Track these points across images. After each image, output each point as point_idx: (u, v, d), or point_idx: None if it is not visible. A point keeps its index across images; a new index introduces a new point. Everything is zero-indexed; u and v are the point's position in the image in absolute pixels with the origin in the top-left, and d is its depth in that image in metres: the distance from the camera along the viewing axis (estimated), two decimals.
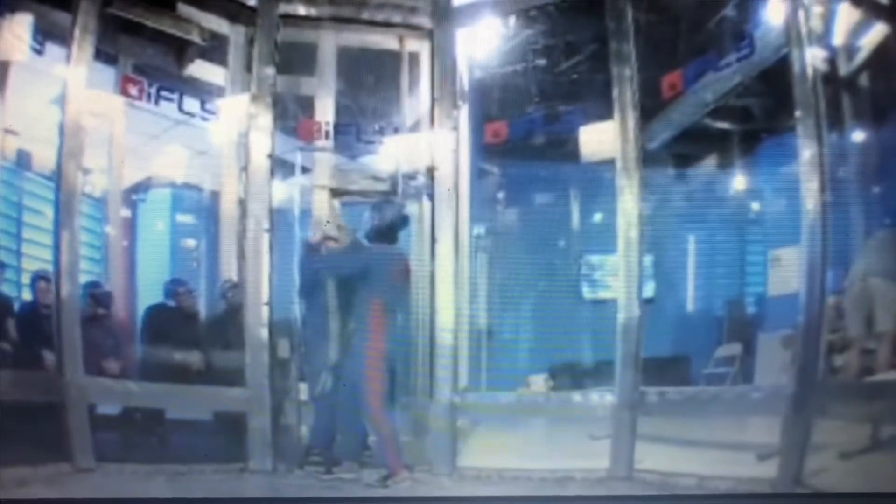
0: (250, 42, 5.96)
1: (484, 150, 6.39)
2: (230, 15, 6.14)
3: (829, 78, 5.40)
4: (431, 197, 5.81)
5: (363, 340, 5.47)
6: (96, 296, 5.86)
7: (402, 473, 5.36)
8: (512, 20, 6.54)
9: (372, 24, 6.04)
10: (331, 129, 6.08)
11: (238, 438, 5.55)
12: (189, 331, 6.03)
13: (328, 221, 5.97)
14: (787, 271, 5.60)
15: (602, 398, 5.53)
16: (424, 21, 5.96)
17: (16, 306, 5.65)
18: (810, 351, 5.02)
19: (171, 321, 6.03)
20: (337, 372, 5.57)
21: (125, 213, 6.40)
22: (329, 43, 6.22)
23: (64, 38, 5.38)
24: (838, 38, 5.63)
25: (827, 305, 5.05)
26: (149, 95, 5.74)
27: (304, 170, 6.15)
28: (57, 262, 5.32)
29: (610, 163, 5.59)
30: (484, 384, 6.18)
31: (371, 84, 6.49)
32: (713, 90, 6.09)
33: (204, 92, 6.17)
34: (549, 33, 6.80)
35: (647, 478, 5.25)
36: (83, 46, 5.39)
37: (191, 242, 6.69)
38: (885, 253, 5.33)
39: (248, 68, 5.93)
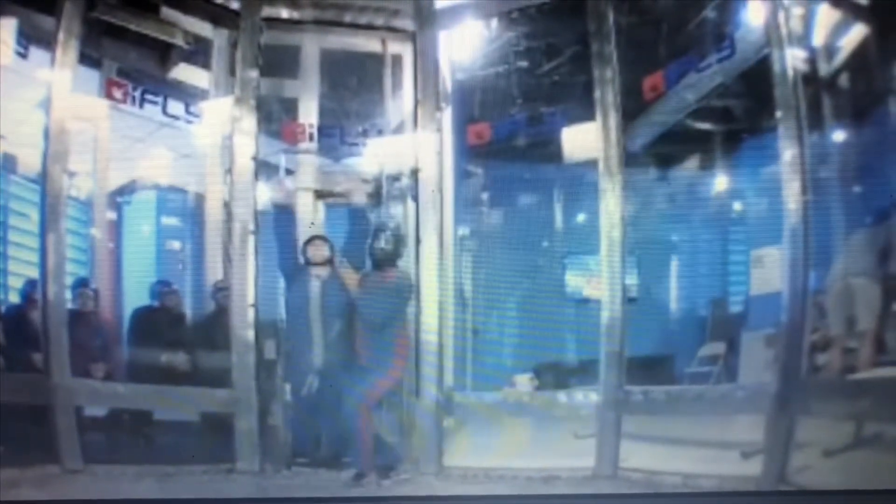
0: (233, 45, 5.85)
1: (467, 152, 6.27)
2: (213, 18, 6.01)
3: (810, 78, 5.31)
4: (416, 198, 5.69)
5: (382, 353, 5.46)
6: (91, 291, 5.79)
7: (371, 475, 5.32)
8: (494, 22, 6.39)
9: (355, 26, 5.94)
10: (315, 131, 5.99)
11: (225, 439, 5.45)
12: (175, 332, 5.89)
13: (312, 224, 5.90)
14: (769, 271, 5.53)
15: (586, 397, 5.46)
16: (407, 24, 5.86)
17: (2, 309, 5.54)
18: (793, 349, 4.95)
19: (157, 323, 5.90)
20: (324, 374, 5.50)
21: (111, 215, 6.27)
22: (312, 46, 6.11)
23: (48, 42, 5.29)
24: (818, 39, 5.49)
25: (809, 304, 4.95)
26: (133, 99, 5.68)
27: (289, 172, 6.03)
28: (43, 264, 5.22)
29: (592, 164, 5.51)
30: (469, 384, 6.03)
31: (354, 86, 6.34)
32: (694, 91, 5.98)
33: (188, 95, 6.05)
34: (531, 35, 6.66)
35: (631, 476, 5.18)
36: (67, 50, 5.29)
37: (176, 244, 6.55)
38: (866, 252, 5.20)
39: (232, 71, 5.84)
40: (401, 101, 6.09)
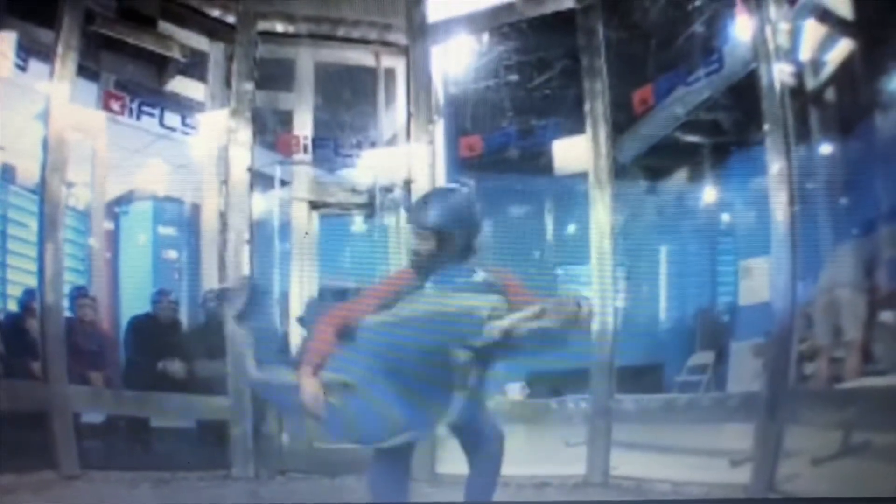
0: (229, 58, 5.77)
1: (459, 164, 6.06)
2: (210, 32, 5.89)
3: (797, 92, 5.20)
4: (408, 209, 5.57)
5: None
6: (89, 300, 5.64)
7: None
8: (485, 37, 6.33)
9: (349, 41, 5.85)
10: (309, 142, 5.84)
11: (220, 446, 5.36)
12: (172, 340, 5.75)
13: (306, 234, 5.78)
14: (757, 281, 5.46)
15: (578, 406, 5.35)
16: (400, 38, 5.78)
17: (1, 317, 5.35)
18: (781, 359, 4.85)
19: (154, 331, 5.75)
20: None
21: (108, 225, 6.18)
22: (307, 59, 5.99)
23: (47, 55, 5.19)
24: (805, 54, 5.38)
25: (797, 314, 4.87)
26: (130, 111, 5.53)
27: (284, 183, 5.89)
28: (41, 273, 5.10)
29: (583, 176, 5.44)
30: None
31: (348, 99, 6.26)
32: (683, 104, 5.86)
33: (184, 107, 5.92)
34: (522, 50, 6.61)
35: (622, 484, 5.09)
36: (66, 63, 5.19)
37: (172, 254, 6.47)
38: (853, 263, 5.06)
39: (228, 84, 5.76)
40: (394, 113, 5.98)
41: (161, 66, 5.88)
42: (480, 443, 3.50)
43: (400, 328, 3.15)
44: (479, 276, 3.22)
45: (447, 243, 3.31)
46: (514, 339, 3.06)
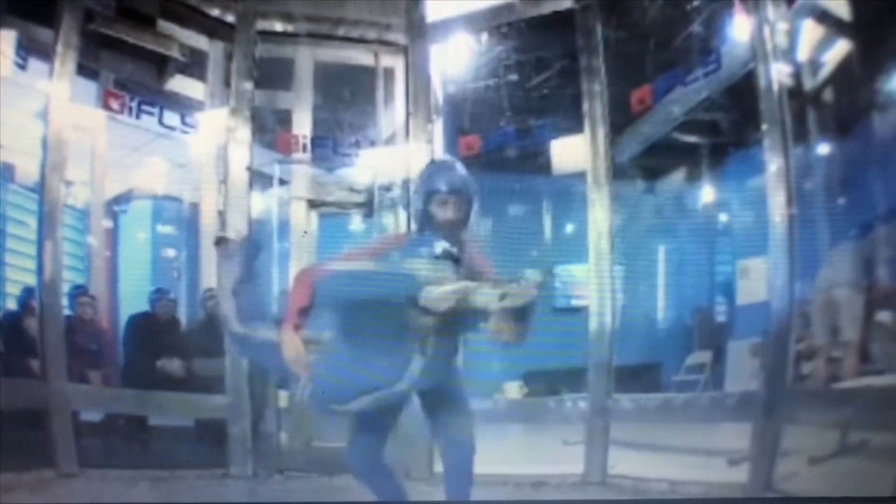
0: (229, 57, 5.75)
1: None
2: (209, 31, 5.89)
3: (795, 92, 5.15)
4: (407, 208, 5.44)
5: None
6: (88, 298, 5.65)
7: None
8: (484, 37, 6.33)
9: (348, 40, 5.81)
10: (308, 142, 5.82)
11: (219, 444, 5.34)
12: (170, 339, 5.76)
13: (305, 232, 5.75)
14: (755, 281, 5.45)
15: (575, 405, 5.32)
16: (399, 38, 5.74)
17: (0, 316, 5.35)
18: (779, 358, 4.82)
19: (152, 329, 5.75)
20: None
21: (107, 224, 6.18)
22: (306, 58, 5.98)
23: (47, 54, 5.17)
24: (803, 54, 5.35)
25: (794, 314, 4.84)
26: (130, 109, 5.49)
27: (282, 182, 5.88)
28: (40, 271, 5.09)
29: (581, 175, 5.41)
30: None
31: (347, 98, 6.22)
32: (681, 104, 5.80)
33: (184, 106, 5.90)
34: (521, 49, 6.61)
35: (620, 483, 5.06)
36: (65, 62, 5.17)
37: (171, 253, 6.47)
38: (850, 263, 5.03)
39: (227, 83, 5.73)
40: (393, 113, 5.94)
41: (160, 65, 5.93)
42: (448, 423, 3.44)
43: (348, 280, 3.21)
44: (448, 248, 3.18)
45: (460, 208, 3.34)
46: (466, 312, 3.08)
